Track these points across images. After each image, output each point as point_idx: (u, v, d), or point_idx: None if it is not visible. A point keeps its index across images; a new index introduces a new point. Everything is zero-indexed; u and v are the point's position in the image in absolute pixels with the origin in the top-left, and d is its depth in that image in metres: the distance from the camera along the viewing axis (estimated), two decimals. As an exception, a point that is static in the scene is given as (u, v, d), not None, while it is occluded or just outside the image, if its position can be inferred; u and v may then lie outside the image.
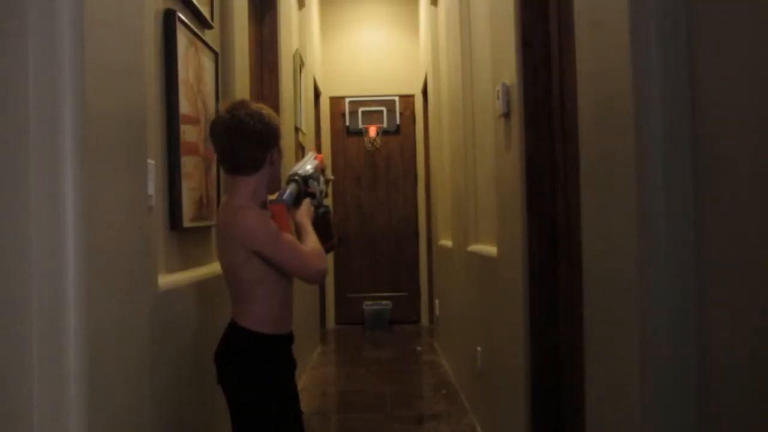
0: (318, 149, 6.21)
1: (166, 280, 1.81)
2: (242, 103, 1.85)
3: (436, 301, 5.78)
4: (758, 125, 0.98)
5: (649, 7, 1.20)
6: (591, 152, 1.52)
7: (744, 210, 1.03)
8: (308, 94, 5.43)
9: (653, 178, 1.20)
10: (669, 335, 1.19)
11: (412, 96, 6.91)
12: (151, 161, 1.65)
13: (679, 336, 1.18)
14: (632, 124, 1.24)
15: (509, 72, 2.43)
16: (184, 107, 2.02)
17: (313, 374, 4.82)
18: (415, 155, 6.92)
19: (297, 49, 4.61)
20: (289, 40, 4.18)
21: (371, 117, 6.84)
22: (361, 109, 6.77)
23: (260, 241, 1.76)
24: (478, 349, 3.40)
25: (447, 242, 4.66)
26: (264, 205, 1.88)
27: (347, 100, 6.80)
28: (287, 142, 3.91)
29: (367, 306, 6.68)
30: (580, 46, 1.56)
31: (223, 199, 2.26)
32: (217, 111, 2.40)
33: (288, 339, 1.92)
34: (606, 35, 1.38)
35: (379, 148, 6.88)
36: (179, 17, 1.97)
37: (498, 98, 2.56)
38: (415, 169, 6.93)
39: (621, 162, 1.31)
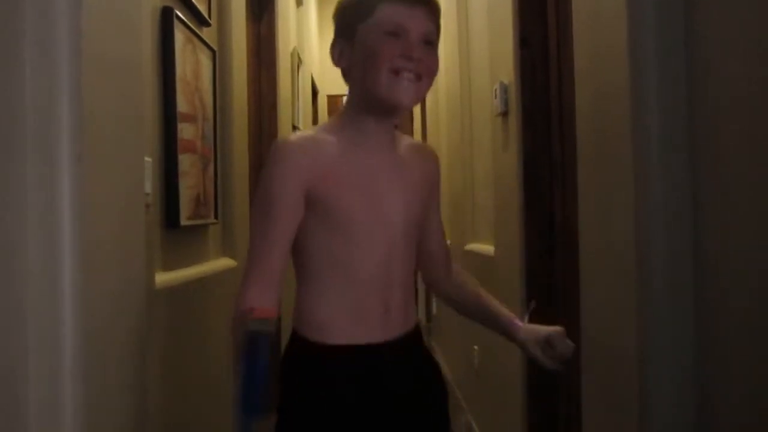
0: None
1: (163, 278, 1.80)
2: None
3: (434, 300, 5.78)
4: (757, 122, 0.98)
5: (648, 2, 1.20)
6: (588, 150, 1.52)
7: (744, 206, 1.03)
8: (306, 93, 5.42)
9: (651, 176, 1.20)
10: (667, 334, 1.19)
11: (410, 95, 6.89)
12: (148, 159, 1.65)
13: (678, 334, 1.18)
14: (629, 121, 1.24)
15: (507, 70, 2.43)
16: (182, 105, 2.02)
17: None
18: (412, 154, 6.91)
19: (295, 47, 4.61)
20: (287, 38, 4.18)
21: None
22: (358, 108, 6.76)
23: None
24: (475, 347, 3.40)
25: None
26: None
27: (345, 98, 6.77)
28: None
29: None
30: (578, 43, 1.56)
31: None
32: (215, 108, 2.40)
33: None
34: (604, 31, 1.38)
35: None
36: (177, 15, 1.97)
37: (495, 97, 2.56)
38: (412, 167, 6.91)
39: (618, 160, 1.31)
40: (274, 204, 1.25)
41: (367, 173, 1.29)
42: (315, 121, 6.32)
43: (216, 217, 2.39)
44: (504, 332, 1.45)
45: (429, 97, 5.59)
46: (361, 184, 1.28)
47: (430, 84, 1.29)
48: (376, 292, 1.29)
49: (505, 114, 2.49)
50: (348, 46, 1.28)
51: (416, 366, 1.38)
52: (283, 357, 1.34)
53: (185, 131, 2.06)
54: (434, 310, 5.72)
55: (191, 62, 2.14)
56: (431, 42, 1.27)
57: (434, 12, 1.28)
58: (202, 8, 2.27)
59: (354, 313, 1.28)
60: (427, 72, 1.26)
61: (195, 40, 2.17)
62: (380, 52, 1.22)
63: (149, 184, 1.67)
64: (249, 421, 1.03)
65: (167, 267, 1.93)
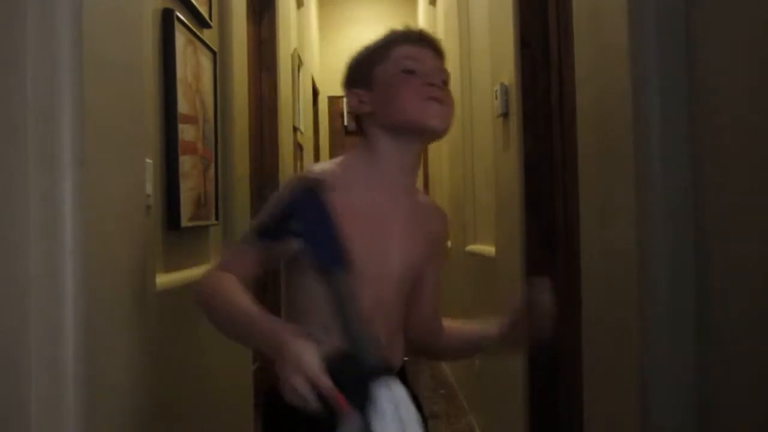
0: (316, 149, 6.20)
1: (164, 279, 1.80)
2: None
3: (435, 301, 5.78)
4: (758, 122, 0.98)
5: (649, 3, 1.20)
6: (589, 151, 1.52)
7: (744, 208, 1.03)
8: (306, 94, 5.43)
9: (652, 177, 1.20)
10: (668, 335, 1.19)
11: (411, 96, 6.90)
12: (149, 160, 1.65)
13: (679, 336, 1.18)
14: (630, 122, 1.24)
15: (508, 72, 2.43)
16: (182, 106, 2.02)
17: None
18: (413, 155, 6.91)
19: (295, 49, 4.61)
20: (287, 40, 4.18)
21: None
22: (359, 109, 6.76)
23: None
24: (477, 348, 3.40)
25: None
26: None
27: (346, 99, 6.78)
28: (285, 141, 3.90)
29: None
30: (579, 44, 1.56)
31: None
32: (215, 110, 2.40)
33: None
34: (605, 32, 1.38)
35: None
36: (177, 16, 1.97)
37: (496, 98, 2.56)
38: (413, 168, 6.91)
39: (619, 161, 1.31)
40: None
41: (379, 216, 1.23)
42: (315, 122, 6.32)
43: (217, 218, 2.39)
44: (489, 341, 1.37)
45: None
46: (369, 227, 1.21)
47: (453, 113, 1.25)
48: None
49: (505, 115, 2.49)
50: (366, 92, 1.27)
51: None
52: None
53: (186, 133, 2.06)
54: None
55: (192, 64, 2.14)
56: (446, 82, 1.25)
57: (442, 56, 1.28)
58: (202, 10, 2.27)
59: None
60: (449, 101, 1.24)
61: (196, 41, 2.17)
62: (404, 84, 1.21)
63: (150, 186, 1.67)
64: (331, 275, 0.92)
65: (168, 268, 1.92)
